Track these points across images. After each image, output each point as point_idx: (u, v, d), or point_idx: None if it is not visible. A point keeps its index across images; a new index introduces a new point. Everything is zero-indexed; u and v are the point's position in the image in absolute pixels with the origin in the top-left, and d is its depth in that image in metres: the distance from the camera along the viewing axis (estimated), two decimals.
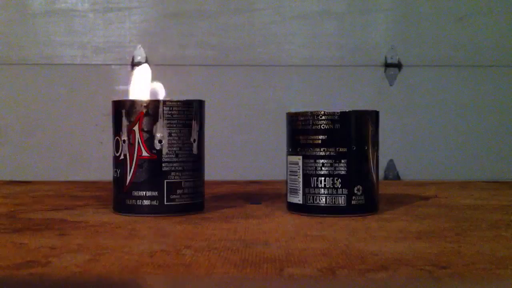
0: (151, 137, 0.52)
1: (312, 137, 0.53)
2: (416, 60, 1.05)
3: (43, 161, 1.02)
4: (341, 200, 0.52)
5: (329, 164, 0.52)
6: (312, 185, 0.53)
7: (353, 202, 0.52)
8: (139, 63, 1.02)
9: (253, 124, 1.04)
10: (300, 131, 0.53)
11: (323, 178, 0.52)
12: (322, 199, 0.52)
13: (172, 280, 0.32)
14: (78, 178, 0.97)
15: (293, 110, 0.55)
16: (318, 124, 0.52)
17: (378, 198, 0.55)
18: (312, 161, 0.53)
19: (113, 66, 1.03)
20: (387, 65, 1.04)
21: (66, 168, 1.02)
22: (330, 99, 1.02)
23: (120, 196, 0.54)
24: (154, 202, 0.52)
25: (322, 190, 0.52)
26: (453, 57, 1.05)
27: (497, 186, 0.84)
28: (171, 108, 0.53)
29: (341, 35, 1.04)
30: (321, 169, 0.52)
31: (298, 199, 0.54)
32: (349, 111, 0.53)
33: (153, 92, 0.56)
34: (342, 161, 0.52)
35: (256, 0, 1.04)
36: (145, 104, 0.53)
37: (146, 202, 0.53)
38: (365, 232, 0.45)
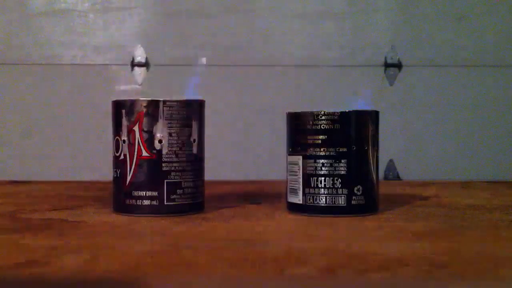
0: (151, 137, 0.52)
1: (312, 137, 0.53)
2: (416, 60, 1.05)
3: (43, 161, 1.02)
4: (341, 200, 0.52)
5: (329, 164, 0.52)
6: (312, 185, 0.53)
7: (353, 202, 0.52)
8: (139, 63, 1.02)
9: (253, 124, 1.04)
10: (300, 131, 0.53)
11: (323, 178, 0.52)
12: (322, 199, 0.52)
13: (172, 280, 0.32)
14: (78, 178, 0.97)
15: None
16: (318, 124, 0.52)
17: (378, 198, 0.55)
18: (312, 161, 0.53)
19: (113, 66, 1.03)
20: (387, 65, 1.04)
21: (66, 168, 1.02)
22: (330, 99, 1.02)
23: (120, 196, 0.54)
24: (154, 202, 0.52)
25: (322, 190, 0.52)
26: (453, 57, 1.05)
27: (497, 186, 0.84)
28: (171, 108, 0.53)
29: (341, 35, 1.04)
30: (321, 169, 0.52)
31: (298, 199, 0.54)
32: (349, 111, 0.53)
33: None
34: (342, 161, 0.52)
35: (256, 0, 1.04)
36: (145, 104, 0.52)
37: (146, 202, 0.53)
38: (365, 232, 0.45)
